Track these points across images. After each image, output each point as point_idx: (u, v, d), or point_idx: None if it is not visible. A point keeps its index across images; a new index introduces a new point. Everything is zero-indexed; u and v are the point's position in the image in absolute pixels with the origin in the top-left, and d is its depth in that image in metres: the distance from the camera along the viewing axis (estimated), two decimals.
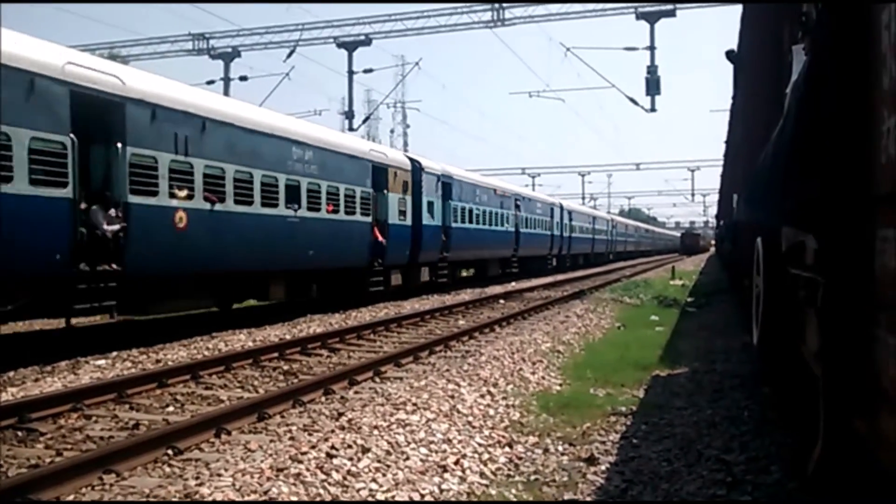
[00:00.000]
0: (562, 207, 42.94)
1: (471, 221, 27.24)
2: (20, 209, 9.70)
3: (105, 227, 11.25)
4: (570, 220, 44.65)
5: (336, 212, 17.91)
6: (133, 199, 11.65)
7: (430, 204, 23.49)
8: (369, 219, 19.51)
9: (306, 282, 17.44)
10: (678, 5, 28.25)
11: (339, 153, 18.26)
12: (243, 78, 34.78)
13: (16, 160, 9.72)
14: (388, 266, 20.58)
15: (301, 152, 16.41)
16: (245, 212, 14.34)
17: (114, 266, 11.34)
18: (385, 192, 20.48)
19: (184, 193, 12.69)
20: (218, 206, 13.51)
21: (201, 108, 13.44)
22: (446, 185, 25.10)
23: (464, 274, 29.95)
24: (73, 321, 12.33)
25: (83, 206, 10.93)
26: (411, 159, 23.05)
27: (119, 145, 11.52)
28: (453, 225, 25.38)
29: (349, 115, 35.04)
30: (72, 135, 10.50)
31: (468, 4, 30.63)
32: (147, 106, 11.99)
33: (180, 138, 12.61)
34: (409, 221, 21.89)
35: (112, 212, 11.44)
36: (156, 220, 12.13)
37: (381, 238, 20.00)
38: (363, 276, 19.47)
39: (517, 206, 33.26)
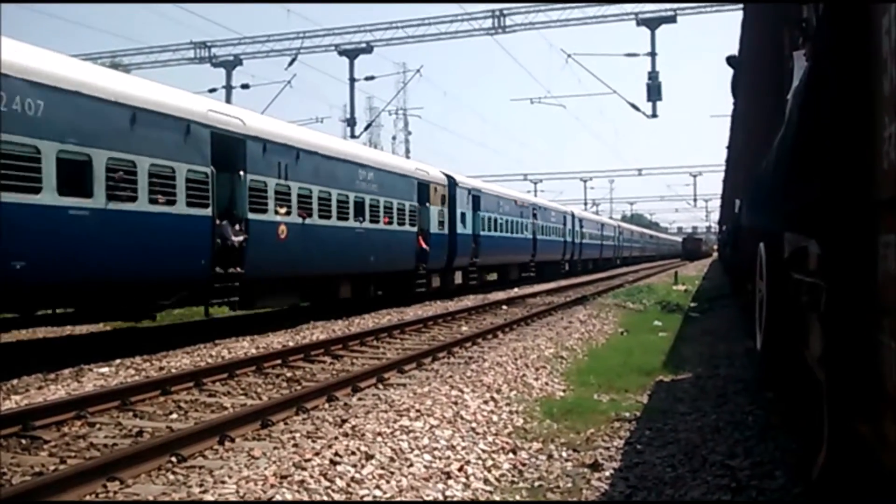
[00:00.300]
0: (573, 215, 45.56)
1: (496, 230, 29.93)
2: (181, 225, 12.87)
3: (232, 238, 14.12)
4: (581, 227, 47.12)
5: (391, 223, 20.95)
6: (251, 215, 14.71)
7: (463, 215, 26.19)
8: (415, 229, 22.44)
9: (367, 283, 20.39)
10: (678, 10, 28.27)
11: (392, 173, 21.35)
12: (245, 86, 34.90)
13: (178, 188, 12.69)
14: (430, 270, 23.53)
15: (364, 173, 19.52)
16: (325, 224, 17.47)
17: (238, 269, 14.24)
18: (427, 205, 23.39)
19: (284, 210, 15.80)
20: (307, 221, 16.63)
21: (295, 140, 16.70)
22: (476, 197, 27.74)
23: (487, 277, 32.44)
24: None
25: (217, 221, 13.63)
26: (447, 175, 25.66)
27: (241, 173, 14.55)
28: (481, 233, 27.95)
29: (351, 122, 35.12)
30: (211, 166, 13.44)
31: (469, 11, 30.70)
32: (260, 141, 15.17)
33: (282, 166, 15.79)
34: (446, 231, 24.85)
35: (237, 226, 14.33)
36: (266, 232, 15.18)
37: (424, 245, 22.83)
38: (410, 278, 22.47)
39: (534, 216, 35.99)
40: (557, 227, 40.91)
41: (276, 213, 15.48)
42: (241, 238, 14.25)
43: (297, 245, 16.10)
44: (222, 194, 14.14)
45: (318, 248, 16.99)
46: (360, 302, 19.71)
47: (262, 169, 15.07)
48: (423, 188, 23.21)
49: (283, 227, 15.65)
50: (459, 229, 25.64)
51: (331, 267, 17.94)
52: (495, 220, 29.80)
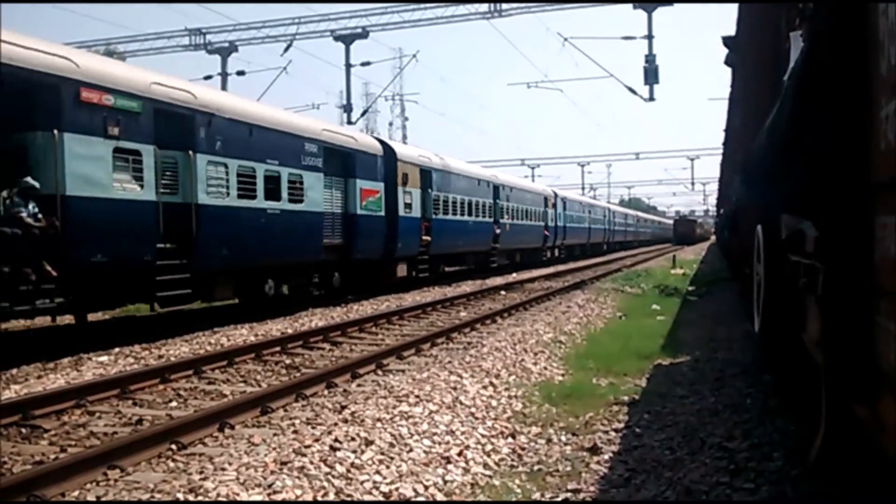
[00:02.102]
0: (610, 210, 63.50)
1: (572, 222, 46.14)
2: (486, 227, 29.26)
3: (496, 231, 29.68)
4: (614, 217, 63.25)
5: (535, 221, 36.83)
6: (500, 219, 30.48)
7: (559, 214, 42.11)
8: (543, 223, 38.23)
9: (524, 254, 36.34)
10: None
11: (535, 193, 38.33)
12: (241, 73, 34.78)
13: (484, 210, 28.93)
14: (546, 247, 39.61)
15: (531, 196, 36.67)
16: (518, 223, 33.40)
17: (497, 245, 30.21)
18: (546, 209, 39.00)
19: (508, 217, 31.52)
20: (513, 221, 32.31)
21: (513, 182, 34.40)
22: (564, 202, 44.29)
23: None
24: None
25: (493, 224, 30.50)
26: (554, 191, 42.74)
27: (498, 200, 30.34)
28: (567, 225, 44.42)
29: (347, 108, 35.03)
30: (493, 199, 30.23)
31: None
32: (504, 186, 31.54)
33: (507, 194, 31.77)
34: (553, 223, 40.47)
35: (496, 225, 29.86)
36: (504, 227, 30.93)
37: (547, 233, 38.83)
38: (539, 251, 38.69)
39: (589, 212, 53.04)
40: (600, 218, 57.59)
41: (507, 218, 31.48)
42: (498, 231, 30.01)
43: (510, 234, 31.78)
44: (492, 210, 30.01)
45: (513, 235, 32.34)
46: (523, 264, 35.01)
47: (502, 198, 30.92)
48: (546, 199, 39.55)
49: (507, 225, 31.44)
50: (559, 223, 41.96)
51: (515, 245, 33.65)
52: (571, 216, 46.17)
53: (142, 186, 11.85)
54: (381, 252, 20.23)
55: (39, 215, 10.13)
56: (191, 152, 12.88)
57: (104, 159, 11.16)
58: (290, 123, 16.49)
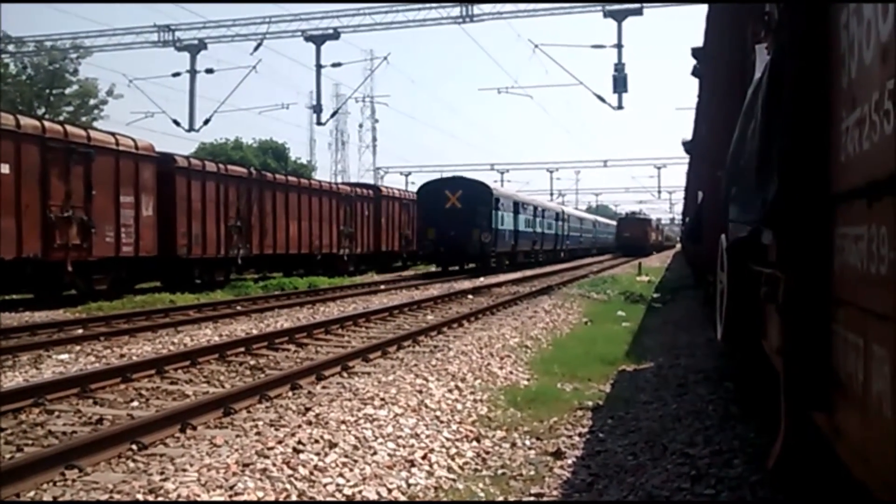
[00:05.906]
0: (617, 223, 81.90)
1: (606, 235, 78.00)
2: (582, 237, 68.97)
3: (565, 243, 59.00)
4: (519, 213, 69.37)
5: (602, 234, 77.86)
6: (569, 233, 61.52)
7: (587, 228, 68.26)
8: (612, 236, 77.92)
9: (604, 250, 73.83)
10: (645, 4, 28.32)
11: (603, 221, 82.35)
12: (210, 71, 34.32)
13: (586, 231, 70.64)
14: (624, 248, 69.37)
15: (602, 223, 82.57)
16: (578, 235, 63.06)
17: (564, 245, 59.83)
18: (602, 226, 74.67)
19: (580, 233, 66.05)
20: (578, 235, 65.46)
21: (583, 217, 72.45)
22: (606, 223, 77.50)
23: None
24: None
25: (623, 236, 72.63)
26: (617, 215, 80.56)
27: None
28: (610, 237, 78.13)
29: (317, 109, 34.76)
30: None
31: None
32: (610, 222, 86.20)
33: (576, 224, 63.23)
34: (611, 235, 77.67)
35: (567, 238, 56.87)
36: (572, 239, 60.03)
37: (608, 240, 75.14)
38: (610, 250, 73.99)
39: (594, 224, 74.03)
40: (612, 231, 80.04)
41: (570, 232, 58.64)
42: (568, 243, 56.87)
43: (575, 239, 59.62)
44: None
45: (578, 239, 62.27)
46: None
47: (574, 224, 59.83)
48: (614, 224, 75.95)
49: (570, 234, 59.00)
50: (589, 236, 68.70)
51: (585, 247, 64.78)
52: (591, 230, 72.14)
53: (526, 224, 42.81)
54: (555, 246, 49.71)
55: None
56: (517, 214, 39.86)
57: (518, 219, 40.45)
58: (550, 206, 51.96)
